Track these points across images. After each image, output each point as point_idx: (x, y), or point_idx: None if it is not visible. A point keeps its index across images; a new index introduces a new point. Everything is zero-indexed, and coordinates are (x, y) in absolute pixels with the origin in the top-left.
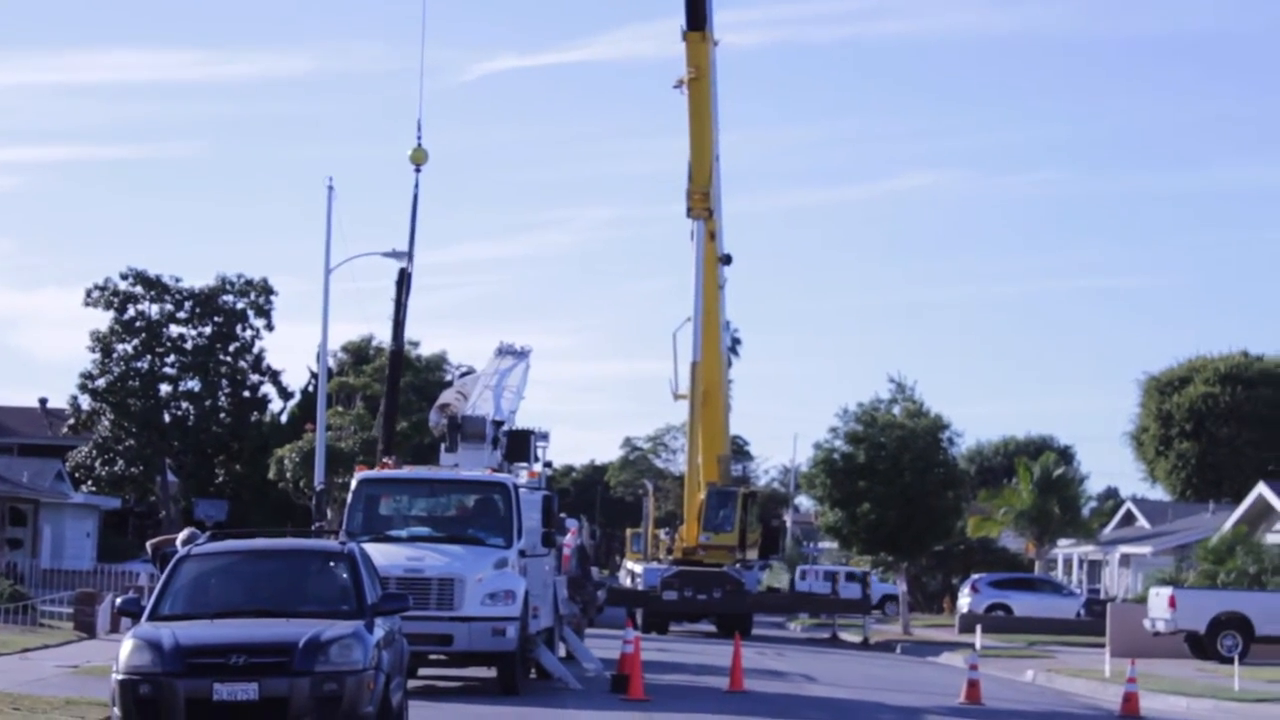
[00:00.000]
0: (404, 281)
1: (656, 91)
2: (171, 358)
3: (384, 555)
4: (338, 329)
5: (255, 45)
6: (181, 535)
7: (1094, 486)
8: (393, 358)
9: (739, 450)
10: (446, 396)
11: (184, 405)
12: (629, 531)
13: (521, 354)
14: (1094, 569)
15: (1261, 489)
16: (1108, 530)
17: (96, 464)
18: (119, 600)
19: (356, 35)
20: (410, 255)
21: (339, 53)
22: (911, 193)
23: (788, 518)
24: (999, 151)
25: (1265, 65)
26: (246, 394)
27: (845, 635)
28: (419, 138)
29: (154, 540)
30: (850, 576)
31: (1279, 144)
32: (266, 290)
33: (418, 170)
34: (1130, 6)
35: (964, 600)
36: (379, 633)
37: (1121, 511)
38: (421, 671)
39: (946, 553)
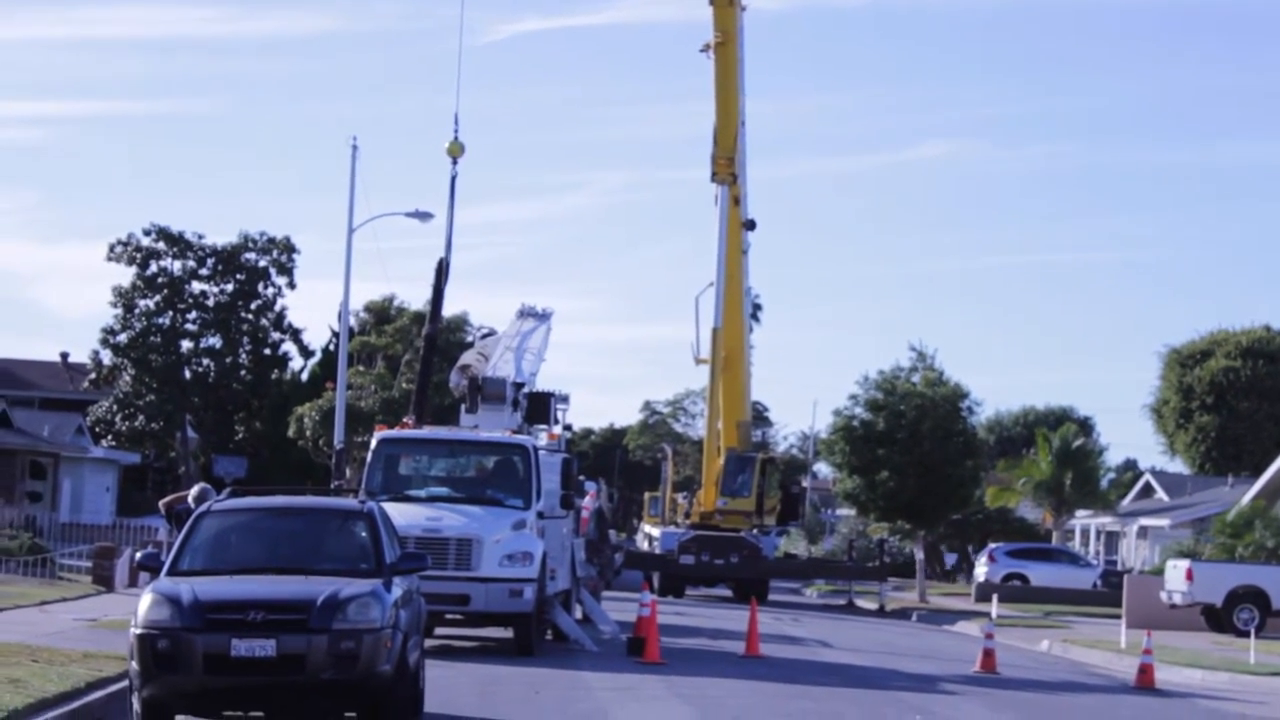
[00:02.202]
0: (442, 271)
1: (680, 55)
2: (193, 314)
3: (403, 515)
4: (360, 288)
5: (275, 2)
6: (193, 491)
7: (1113, 458)
8: (427, 341)
9: (758, 416)
10: (467, 358)
11: (205, 362)
12: (647, 495)
13: (543, 316)
14: (1111, 540)
15: None
16: (1126, 502)
17: (117, 419)
18: (139, 555)
19: None
20: (448, 244)
21: (362, 9)
22: (933, 161)
23: (806, 484)
24: (1020, 121)
25: None
26: (267, 352)
27: (861, 602)
28: (456, 131)
29: (166, 499)
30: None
31: None
32: (289, 248)
33: (455, 163)
34: None
35: (981, 569)
36: (397, 592)
37: (1140, 484)
38: (438, 631)
39: (964, 522)
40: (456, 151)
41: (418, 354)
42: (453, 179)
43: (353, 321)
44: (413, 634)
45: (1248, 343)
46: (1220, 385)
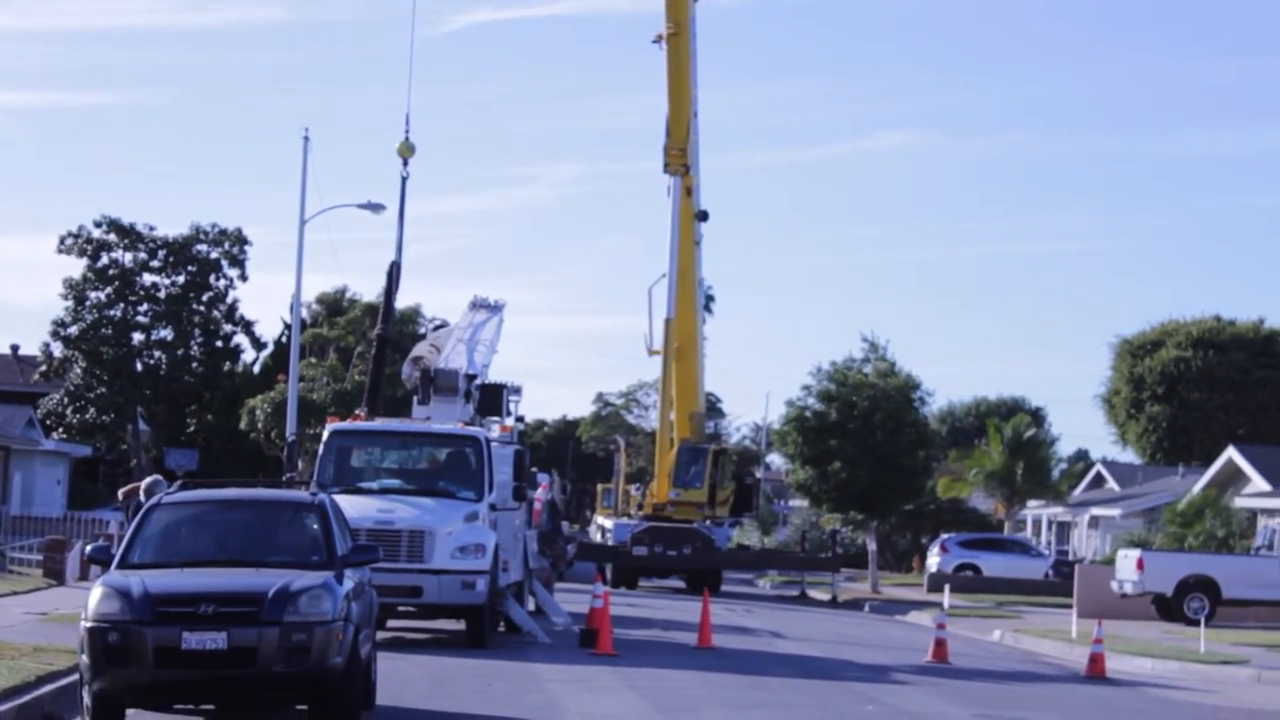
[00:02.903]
0: (393, 274)
1: (634, 46)
2: (144, 306)
3: (355, 507)
4: (312, 280)
5: None
6: (144, 483)
7: (1065, 449)
8: (379, 343)
9: (712, 408)
10: (419, 349)
11: (156, 354)
12: (600, 487)
13: (495, 308)
14: (1063, 530)
15: (1231, 453)
16: (1078, 492)
17: (68, 411)
18: (89, 548)
19: None
20: (399, 247)
21: (312, 2)
22: (886, 152)
23: (759, 475)
24: (972, 112)
25: (1238, 30)
26: (219, 344)
27: (814, 593)
28: (407, 131)
29: (125, 488)
30: None
31: (1251, 109)
32: (241, 240)
33: (405, 164)
34: None
35: (933, 560)
36: (348, 584)
37: (1091, 474)
38: (391, 623)
39: (916, 512)
40: (407, 152)
41: (370, 346)
42: (403, 180)
43: (305, 313)
44: (364, 626)
45: (1198, 333)
46: (1171, 375)
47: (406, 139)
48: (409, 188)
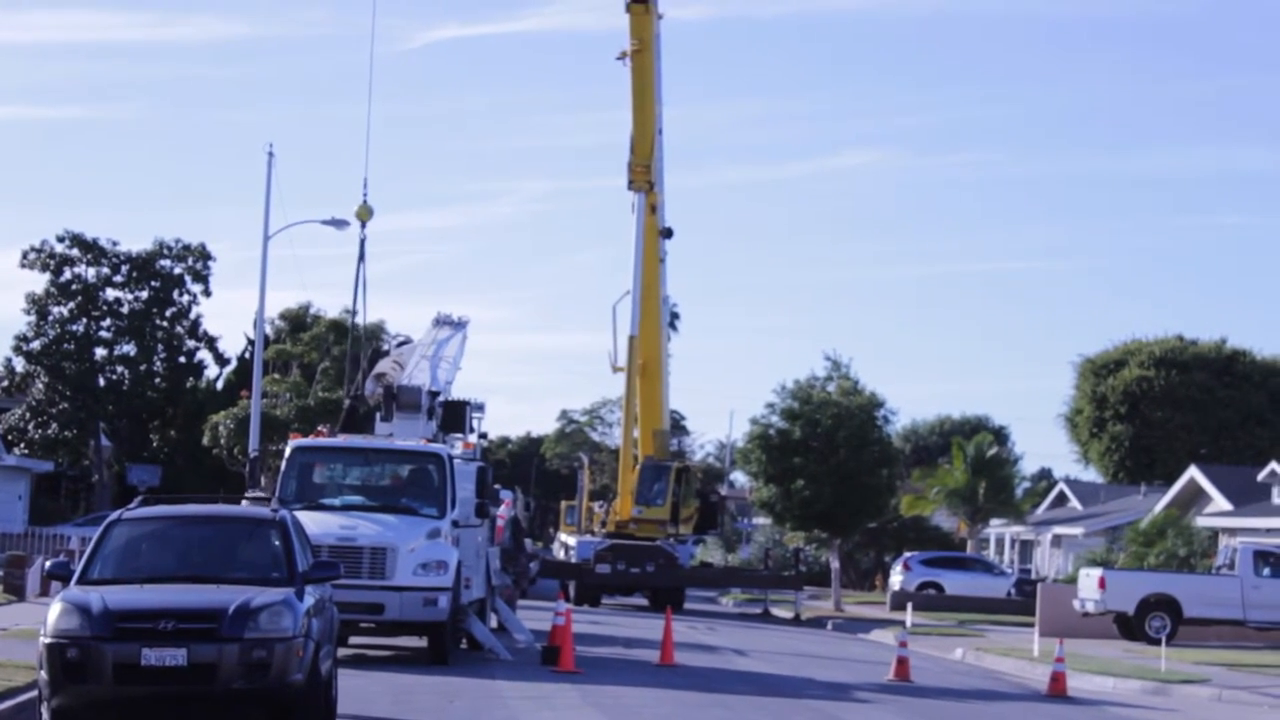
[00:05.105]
0: (357, 337)
1: (598, 64)
2: (107, 321)
3: (317, 523)
4: (276, 296)
5: (195, 9)
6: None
7: (1028, 467)
8: (349, 412)
9: (676, 425)
10: (383, 366)
11: (119, 369)
12: (564, 504)
13: (459, 325)
14: (1026, 549)
15: (1193, 472)
16: (1040, 511)
17: (29, 427)
18: (49, 563)
19: (295, 3)
20: (355, 308)
21: (280, 17)
22: (850, 171)
23: (723, 492)
24: (937, 131)
25: (1205, 49)
26: (182, 359)
27: (777, 611)
28: (365, 194)
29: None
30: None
31: (1216, 129)
32: (204, 255)
33: (363, 226)
34: None
35: (896, 578)
36: (309, 600)
37: (1054, 492)
38: (352, 640)
39: (879, 530)
40: (365, 215)
41: (334, 362)
42: (362, 241)
43: (268, 329)
44: (325, 643)
45: (1160, 352)
46: (1134, 395)
47: (365, 202)
48: (367, 249)
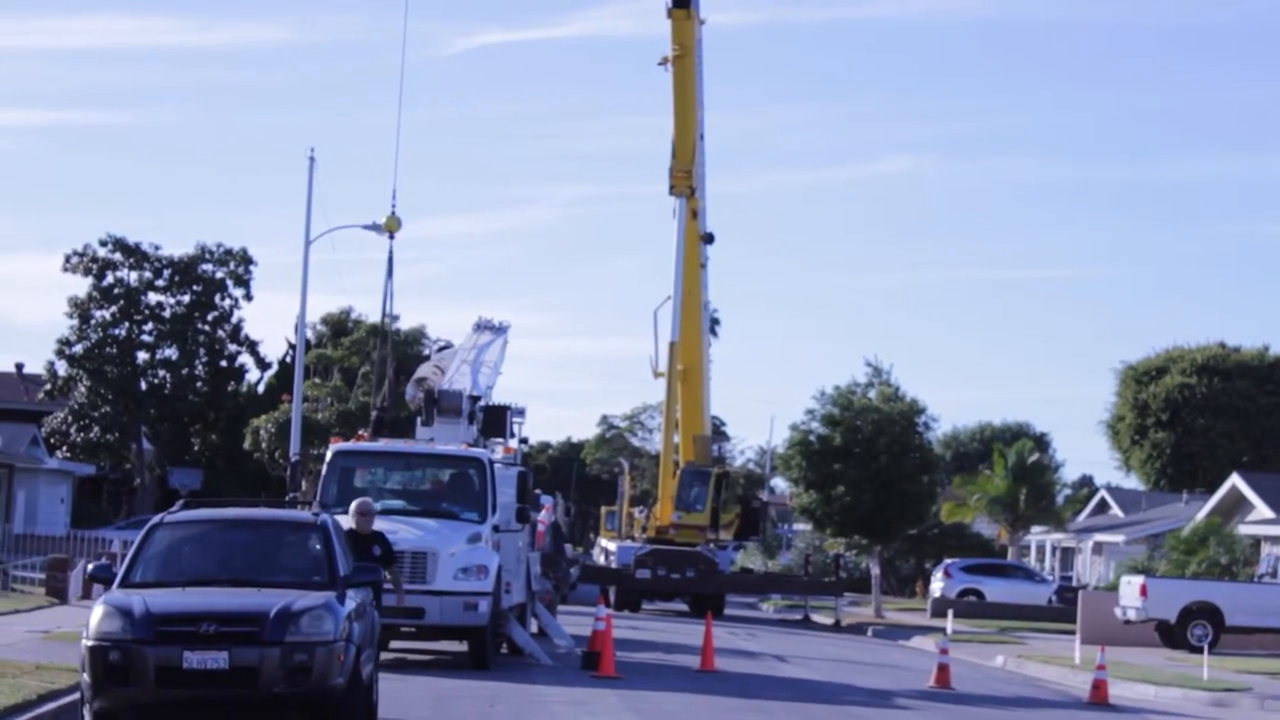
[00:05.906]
0: (384, 338)
1: (638, 69)
2: (149, 325)
3: None
4: (316, 300)
5: (235, 14)
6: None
7: (1069, 474)
8: (376, 422)
9: (717, 431)
10: (424, 370)
11: (161, 373)
12: (604, 509)
13: (500, 329)
14: (1067, 556)
15: (1235, 480)
16: (1082, 518)
17: (72, 430)
18: (91, 566)
19: (335, 7)
20: (383, 316)
21: (321, 22)
22: (894, 176)
23: (764, 498)
24: (978, 137)
25: (1250, 55)
26: (224, 363)
27: (817, 617)
28: (394, 205)
29: None
30: None
31: (1259, 136)
32: (246, 260)
33: (391, 237)
34: None
35: (936, 585)
36: (350, 604)
37: (1096, 499)
38: (393, 644)
39: (920, 537)
40: (394, 227)
41: (374, 367)
42: (390, 253)
43: (309, 334)
44: (366, 647)
45: (1203, 360)
46: (1175, 402)
47: (393, 213)
48: (395, 263)
